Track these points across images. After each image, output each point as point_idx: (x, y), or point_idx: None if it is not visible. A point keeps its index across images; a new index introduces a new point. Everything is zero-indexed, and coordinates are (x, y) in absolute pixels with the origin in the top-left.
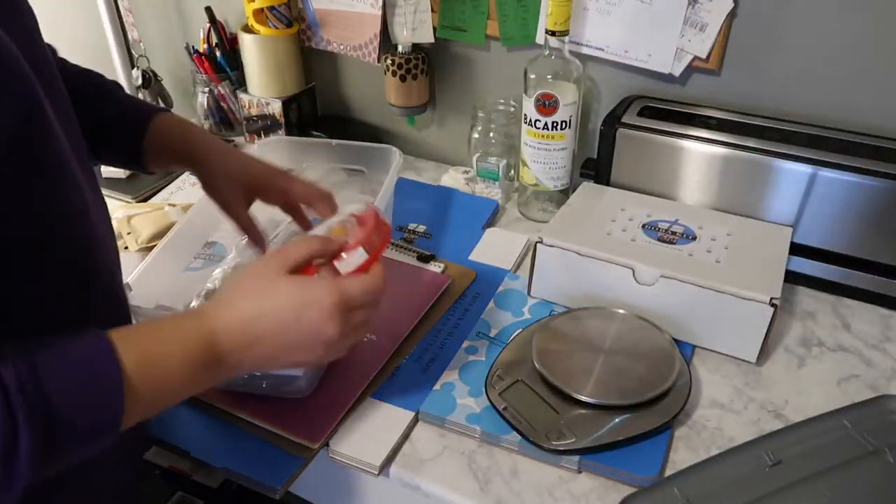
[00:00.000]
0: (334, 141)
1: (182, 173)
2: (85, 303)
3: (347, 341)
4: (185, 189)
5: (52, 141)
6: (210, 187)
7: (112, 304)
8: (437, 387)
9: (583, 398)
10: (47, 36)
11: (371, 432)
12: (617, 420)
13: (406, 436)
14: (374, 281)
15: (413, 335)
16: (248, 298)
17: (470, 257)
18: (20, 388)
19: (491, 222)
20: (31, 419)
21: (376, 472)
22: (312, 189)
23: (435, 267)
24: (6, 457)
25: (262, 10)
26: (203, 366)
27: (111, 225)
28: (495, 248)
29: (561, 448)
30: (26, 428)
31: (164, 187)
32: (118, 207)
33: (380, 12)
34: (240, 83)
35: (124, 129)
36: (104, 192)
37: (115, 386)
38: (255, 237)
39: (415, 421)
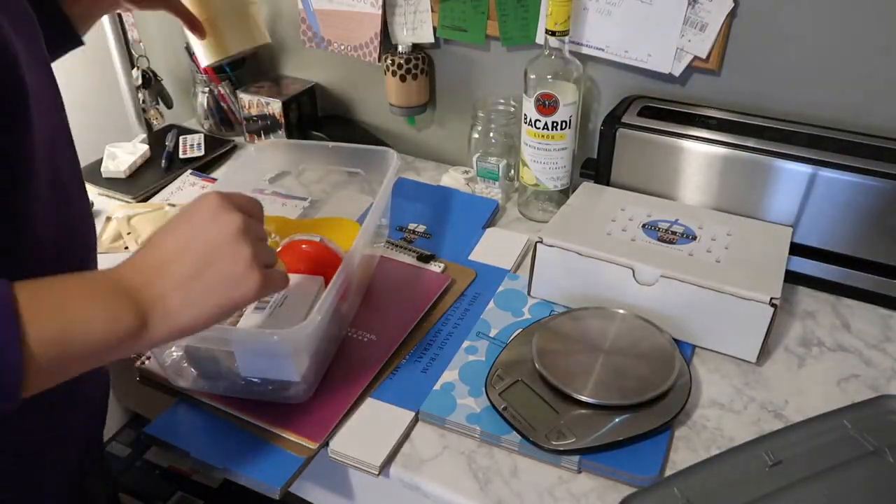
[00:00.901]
0: (331, 143)
1: (182, 173)
2: None
3: (263, 252)
4: (185, 189)
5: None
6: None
7: None
8: (437, 387)
9: (583, 398)
10: None
11: (371, 432)
12: (617, 420)
13: (406, 436)
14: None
15: (413, 335)
16: (145, 252)
17: (470, 257)
18: None
19: (491, 222)
20: None
21: (376, 473)
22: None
23: (435, 267)
24: None
25: None
26: (118, 309)
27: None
28: (495, 248)
29: (561, 448)
30: None
31: (163, 187)
32: (118, 207)
33: (380, 12)
34: (240, 83)
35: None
36: (104, 191)
37: (9, 346)
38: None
39: (415, 421)
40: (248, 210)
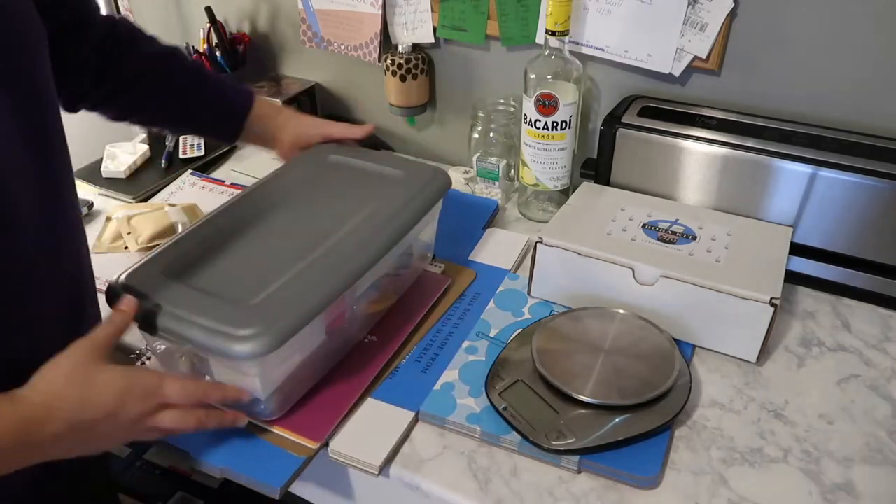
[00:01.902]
0: (385, 152)
1: (182, 173)
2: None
3: (160, 412)
4: (185, 189)
5: None
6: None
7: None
8: (436, 387)
9: (583, 398)
10: None
11: (371, 432)
12: (617, 420)
13: (406, 436)
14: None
15: (413, 335)
16: (71, 388)
17: (470, 257)
18: None
19: (491, 222)
20: None
21: (376, 472)
22: (347, 129)
23: (435, 268)
24: None
25: None
26: (17, 454)
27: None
28: (495, 248)
29: (561, 448)
30: None
31: (163, 187)
32: (118, 207)
33: (380, 12)
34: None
35: (222, 122)
36: (104, 191)
37: None
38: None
39: (415, 421)
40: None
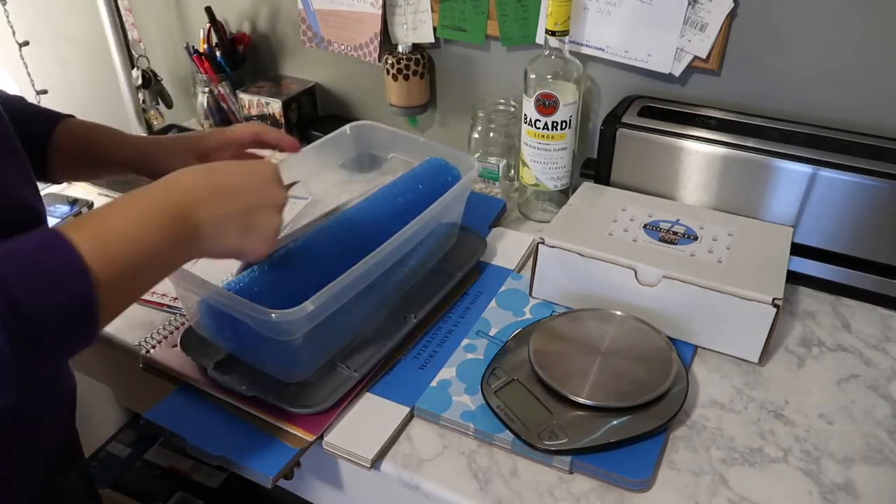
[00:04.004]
0: (422, 138)
1: None
2: None
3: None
4: None
5: None
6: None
7: None
8: (433, 383)
9: (578, 399)
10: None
11: (366, 426)
12: (611, 422)
13: (401, 431)
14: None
15: (413, 333)
16: (197, 170)
17: None
18: None
19: (497, 222)
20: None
21: (368, 466)
22: (253, 130)
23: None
24: None
25: None
26: (170, 224)
27: None
28: (500, 248)
29: (553, 448)
30: None
31: None
32: None
33: (380, 12)
34: (240, 83)
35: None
36: (104, 191)
37: (74, 261)
38: None
39: (410, 416)
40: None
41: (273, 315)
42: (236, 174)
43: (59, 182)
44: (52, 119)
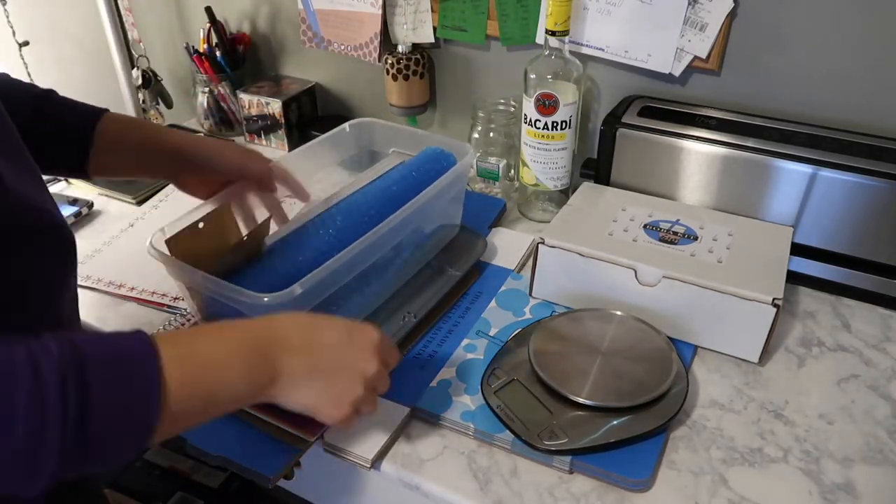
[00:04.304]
0: (421, 131)
1: None
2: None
3: (371, 394)
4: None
5: None
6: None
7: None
8: (433, 383)
9: (578, 399)
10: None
11: (366, 426)
12: (611, 422)
13: (401, 431)
14: (397, 355)
15: (413, 333)
16: (300, 315)
17: None
18: (61, 364)
19: (497, 222)
20: (66, 398)
21: (368, 466)
22: (286, 175)
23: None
24: (35, 440)
25: None
26: (254, 367)
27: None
28: (500, 248)
29: (552, 448)
30: (60, 406)
31: (163, 187)
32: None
33: (380, 12)
34: (240, 83)
35: (66, 136)
36: (104, 191)
37: (151, 387)
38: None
39: (410, 416)
40: (387, 361)
41: (265, 298)
42: (335, 332)
43: (95, 177)
44: (93, 114)
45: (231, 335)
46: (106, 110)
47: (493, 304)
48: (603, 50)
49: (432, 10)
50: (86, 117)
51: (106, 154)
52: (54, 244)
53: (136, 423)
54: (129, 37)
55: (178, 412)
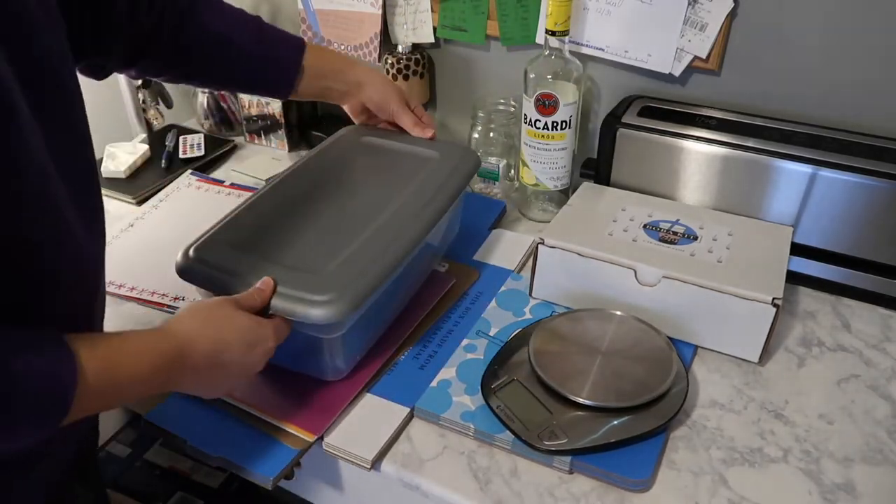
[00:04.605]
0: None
1: (182, 173)
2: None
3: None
4: (183, 189)
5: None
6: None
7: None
8: (433, 384)
9: (578, 399)
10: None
11: (366, 427)
12: (611, 422)
13: (401, 431)
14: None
15: (413, 333)
16: (211, 326)
17: (475, 257)
18: None
19: (497, 223)
20: None
21: (368, 466)
22: (413, 120)
23: (439, 267)
24: None
25: None
26: (159, 381)
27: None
28: (500, 249)
29: (553, 448)
30: None
31: (163, 187)
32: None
33: (380, 12)
34: None
35: (278, 63)
36: (104, 191)
37: (65, 391)
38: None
39: (410, 416)
40: (280, 336)
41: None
42: (237, 349)
43: (292, 98)
44: (300, 44)
45: (144, 354)
46: (304, 41)
47: (493, 304)
48: (603, 50)
49: (432, 10)
50: (297, 46)
51: (305, 81)
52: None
53: (49, 413)
54: None
55: (85, 408)
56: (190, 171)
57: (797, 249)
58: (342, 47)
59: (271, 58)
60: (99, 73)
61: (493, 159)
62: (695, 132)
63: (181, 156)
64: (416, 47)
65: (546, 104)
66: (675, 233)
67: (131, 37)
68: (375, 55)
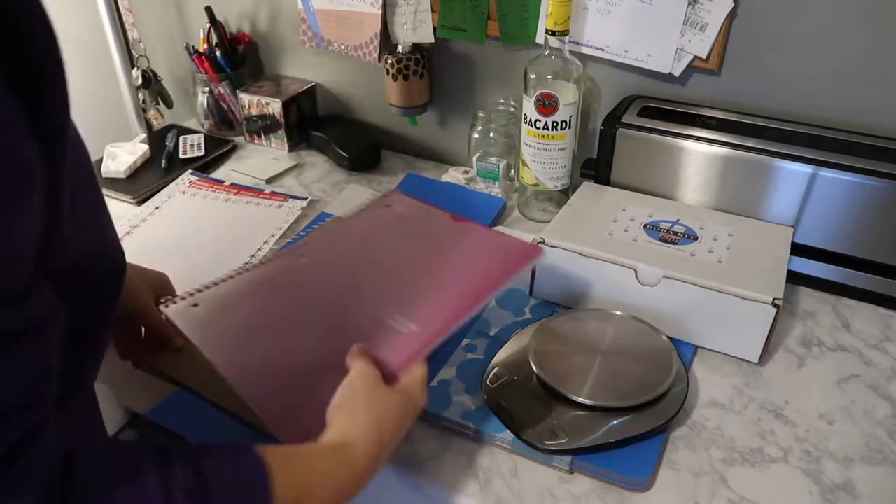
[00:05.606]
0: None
1: (182, 173)
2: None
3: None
4: (183, 189)
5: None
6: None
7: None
8: (433, 383)
9: (578, 399)
10: None
11: None
12: (611, 422)
13: None
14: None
15: None
16: (371, 413)
17: None
18: (191, 495)
19: (497, 220)
20: None
21: None
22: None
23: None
24: None
25: None
26: (348, 491)
27: None
28: None
29: (553, 448)
30: None
31: (163, 187)
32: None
33: (380, 12)
34: (240, 83)
35: None
36: (104, 191)
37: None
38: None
39: None
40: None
41: None
42: (396, 422)
43: None
44: None
45: (323, 460)
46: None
47: (493, 304)
48: (603, 50)
49: (432, 10)
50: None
51: None
52: (108, 288)
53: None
54: (129, 37)
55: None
56: (190, 170)
57: (797, 249)
58: (342, 47)
59: None
60: None
61: (493, 159)
62: (695, 132)
63: (181, 156)
64: (416, 47)
65: (546, 104)
66: (675, 233)
67: None
68: (375, 55)
